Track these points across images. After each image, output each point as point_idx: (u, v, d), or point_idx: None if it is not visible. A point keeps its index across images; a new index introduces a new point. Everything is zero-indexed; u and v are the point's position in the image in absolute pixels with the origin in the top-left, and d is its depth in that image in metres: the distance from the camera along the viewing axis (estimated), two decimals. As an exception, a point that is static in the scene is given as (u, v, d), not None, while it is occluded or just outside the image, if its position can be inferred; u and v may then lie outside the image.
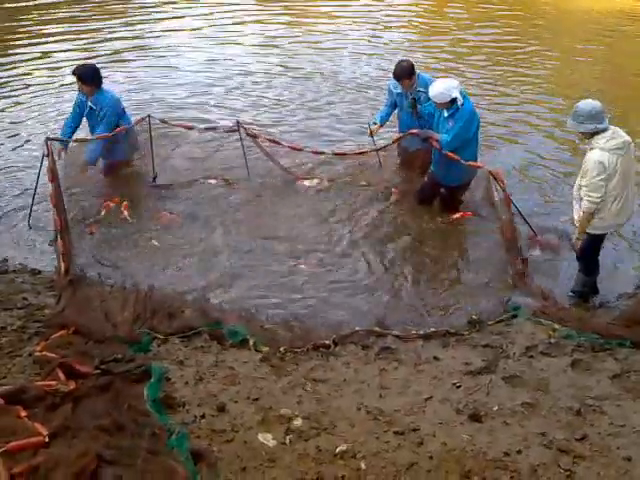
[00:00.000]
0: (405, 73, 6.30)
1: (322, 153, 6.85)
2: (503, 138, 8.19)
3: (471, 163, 5.83)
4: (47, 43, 11.55)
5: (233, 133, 6.91)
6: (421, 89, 6.35)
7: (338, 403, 3.48)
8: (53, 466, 2.52)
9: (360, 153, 6.76)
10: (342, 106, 9.14)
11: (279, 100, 9.34)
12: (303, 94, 9.58)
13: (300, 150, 6.88)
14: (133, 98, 9.09)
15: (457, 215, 6.25)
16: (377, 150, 6.65)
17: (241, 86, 9.84)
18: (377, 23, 13.21)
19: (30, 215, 5.87)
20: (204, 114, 8.67)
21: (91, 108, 6.37)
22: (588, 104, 4.70)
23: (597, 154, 4.64)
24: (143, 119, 6.52)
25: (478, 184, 6.33)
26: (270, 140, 6.86)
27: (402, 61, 6.49)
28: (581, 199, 4.82)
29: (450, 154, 5.82)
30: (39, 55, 10.95)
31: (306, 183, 6.82)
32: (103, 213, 6.16)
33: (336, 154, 6.81)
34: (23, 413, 3.00)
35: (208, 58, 11.17)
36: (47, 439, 2.77)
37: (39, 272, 5.11)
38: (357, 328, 4.50)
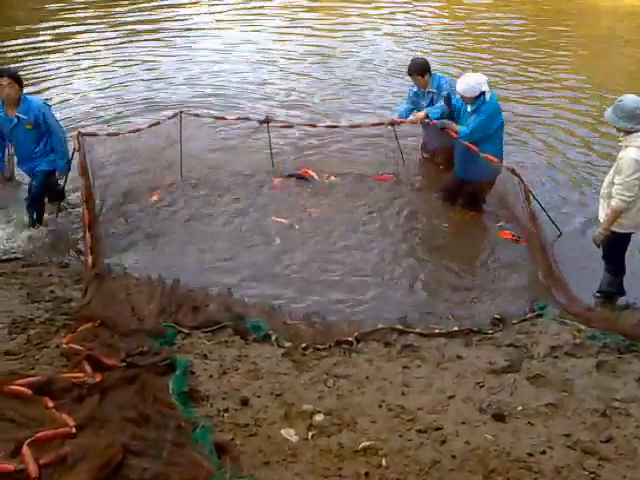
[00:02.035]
0: (416, 69, 6.37)
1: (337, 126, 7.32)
2: (532, 132, 8.16)
3: (488, 157, 5.78)
4: (67, 32, 11.84)
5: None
6: (433, 90, 6.38)
7: (360, 400, 3.48)
8: (80, 456, 2.55)
9: (376, 124, 6.95)
10: (372, 90, 9.40)
11: (308, 83, 9.67)
12: (331, 77, 9.90)
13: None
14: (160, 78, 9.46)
15: (468, 216, 6.22)
16: (392, 124, 6.76)
17: (268, 71, 10.20)
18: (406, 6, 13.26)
19: (59, 208, 5.95)
20: (231, 100, 8.98)
21: (18, 119, 5.51)
22: (634, 101, 4.52)
23: (634, 152, 4.53)
24: (175, 115, 6.56)
25: (501, 183, 6.26)
26: (305, 125, 7.36)
27: (417, 58, 6.60)
28: (609, 197, 4.73)
29: (468, 144, 5.80)
30: (58, 40, 11.33)
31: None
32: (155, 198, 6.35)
33: (351, 126, 7.20)
34: (51, 404, 3.05)
35: (233, 41, 11.54)
36: (74, 430, 2.81)
37: (66, 265, 5.22)
38: (379, 325, 4.51)
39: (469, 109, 5.89)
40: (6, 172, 6.20)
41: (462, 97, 5.87)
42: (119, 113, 8.60)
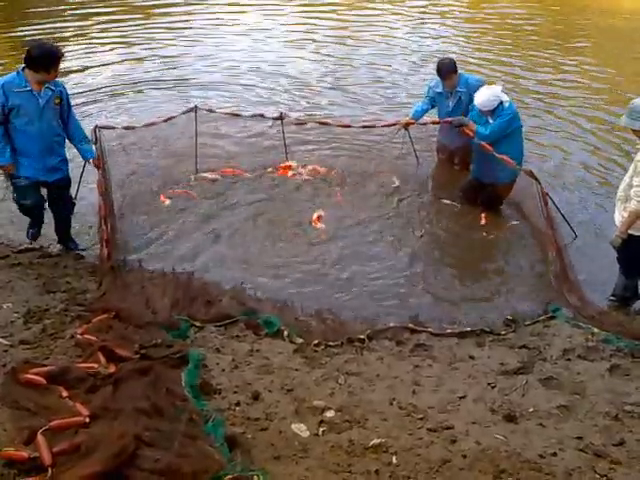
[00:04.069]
0: (449, 70, 6.27)
1: (349, 126, 7.13)
2: (551, 134, 8.12)
3: (504, 157, 5.75)
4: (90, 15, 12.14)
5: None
6: (462, 89, 6.32)
7: (371, 397, 3.49)
8: (93, 446, 2.58)
9: (390, 125, 6.85)
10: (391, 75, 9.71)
11: (327, 68, 9.99)
12: (349, 63, 10.18)
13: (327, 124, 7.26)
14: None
15: (483, 221, 6.18)
16: (406, 126, 6.68)
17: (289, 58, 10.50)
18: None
19: (75, 200, 5.97)
20: (247, 85, 9.26)
21: (52, 92, 4.77)
22: None
23: None
24: (190, 109, 6.58)
25: (518, 185, 6.22)
26: (318, 123, 7.25)
27: (444, 59, 6.50)
28: (626, 200, 4.68)
29: (484, 144, 5.78)
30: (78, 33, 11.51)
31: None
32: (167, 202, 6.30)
33: (364, 126, 7.04)
34: (65, 393, 3.10)
35: (251, 28, 12.00)
36: (87, 420, 2.85)
37: (82, 257, 5.25)
38: (391, 324, 4.51)
39: (491, 121, 5.87)
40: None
41: (481, 112, 5.86)
42: (139, 91, 9.00)
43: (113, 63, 10.09)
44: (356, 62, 10.25)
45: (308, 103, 8.78)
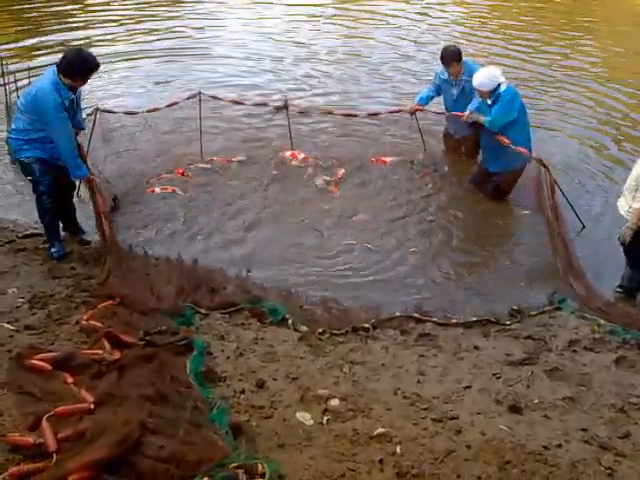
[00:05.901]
0: (453, 57, 6.24)
1: (355, 115, 7.21)
2: (560, 122, 8.06)
3: (519, 148, 5.71)
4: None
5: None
6: (466, 77, 6.27)
7: (375, 386, 3.49)
8: (98, 432, 2.58)
9: (395, 111, 6.94)
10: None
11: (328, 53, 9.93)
12: (351, 54, 10.04)
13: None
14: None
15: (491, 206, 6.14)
16: (412, 113, 6.71)
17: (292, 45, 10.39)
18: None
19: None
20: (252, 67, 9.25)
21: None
22: None
23: None
24: (194, 95, 6.55)
25: (527, 173, 6.17)
26: (322, 112, 7.24)
27: (449, 46, 6.46)
28: (637, 188, 4.62)
29: (499, 137, 5.74)
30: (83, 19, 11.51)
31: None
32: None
33: (370, 114, 7.17)
34: (70, 379, 3.10)
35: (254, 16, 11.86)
36: (92, 406, 2.85)
37: (87, 242, 5.23)
38: (397, 313, 4.49)
39: (489, 102, 5.84)
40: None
41: (479, 92, 5.83)
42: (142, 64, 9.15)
43: (115, 38, 10.16)
44: (369, 38, 10.32)
45: (325, 77, 8.79)
